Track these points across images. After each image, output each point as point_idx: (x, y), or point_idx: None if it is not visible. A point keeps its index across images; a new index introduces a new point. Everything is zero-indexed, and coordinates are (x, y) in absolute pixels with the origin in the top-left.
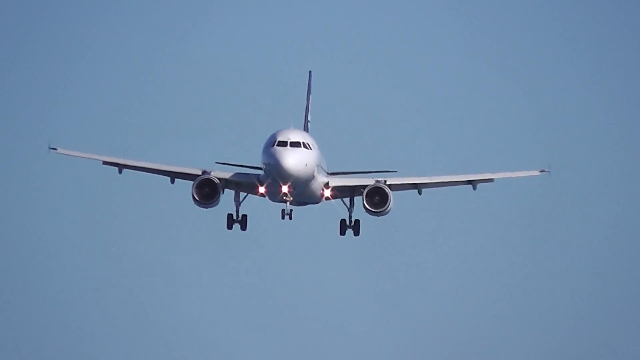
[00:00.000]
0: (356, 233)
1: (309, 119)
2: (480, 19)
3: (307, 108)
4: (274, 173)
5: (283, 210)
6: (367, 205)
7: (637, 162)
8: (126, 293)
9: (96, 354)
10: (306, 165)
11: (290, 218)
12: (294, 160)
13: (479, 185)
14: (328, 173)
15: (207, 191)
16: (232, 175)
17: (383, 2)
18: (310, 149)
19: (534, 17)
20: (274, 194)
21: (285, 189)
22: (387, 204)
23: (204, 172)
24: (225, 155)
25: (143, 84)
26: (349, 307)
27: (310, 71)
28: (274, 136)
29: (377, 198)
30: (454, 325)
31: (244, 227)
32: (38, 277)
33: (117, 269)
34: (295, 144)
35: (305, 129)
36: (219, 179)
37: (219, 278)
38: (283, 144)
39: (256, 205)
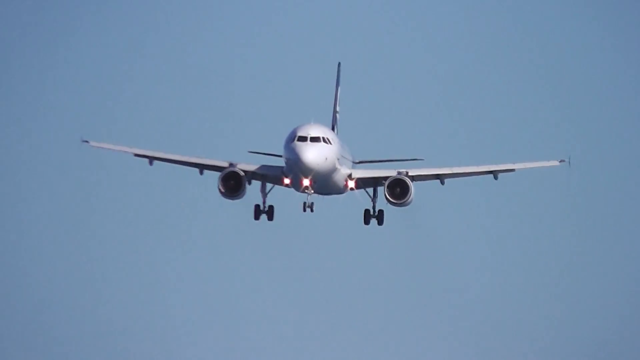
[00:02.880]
0: (380, 222)
1: (337, 109)
2: (499, 13)
3: (335, 99)
4: (295, 168)
5: (304, 203)
6: (388, 197)
7: None
8: (156, 281)
9: (122, 339)
10: (326, 159)
11: (312, 210)
12: (313, 155)
13: (500, 175)
14: (355, 162)
15: (232, 183)
16: (258, 168)
17: None
18: (330, 143)
19: (553, 10)
20: (298, 186)
21: (306, 182)
22: (408, 195)
23: (230, 165)
24: (259, 144)
25: (174, 78)
26: (373, 293)
27: (339, 63)
28: (294, 132)
29: (398, 190)
30: (475, 311)
31: (270, 217)
32: (72, 266)
33: (147, 257)
34: (315, 139)
35: (334, 119)
36: (244, 171)
37: (246, 268)
38: (303, 139)
39: (283, 195)
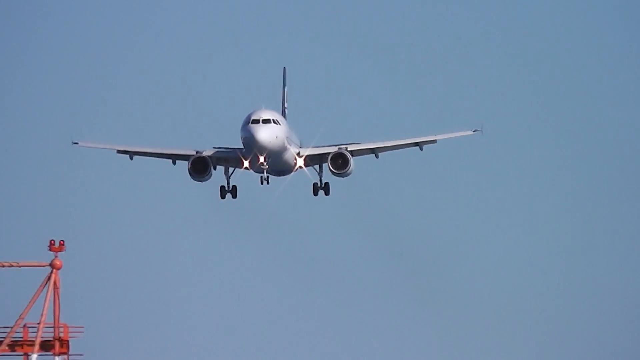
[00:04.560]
0: (327, 193)
1: (285, 105)
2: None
3: (283, 97)
4: (251, 145)
5: (261, 177)
6: (332, 168)
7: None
8: (139, 251)
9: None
10: (277, 137)
11: (268, 183)
12: (265, 134)
13: (425, 146)
14: (301, 147)
15: (200, 167)
16: (220, 152)
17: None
18: (279, 124)
19: None
20: (255, 163)
21: (261, 159)
22: (348, 166)
23: (197, 152)
24: (221, 137)
25: (141, 81)
26: (326, 254)
27: (284, 67)
28: (249, 116)
29: (340, 161)
30: (414, 268)
31: (234, 195)
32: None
33: (136, 233)
34: (266, 121)
35: (283, 114)
36: (209, 156)
37: (216, 240)
38: (256, 121)
39: (243, 177)
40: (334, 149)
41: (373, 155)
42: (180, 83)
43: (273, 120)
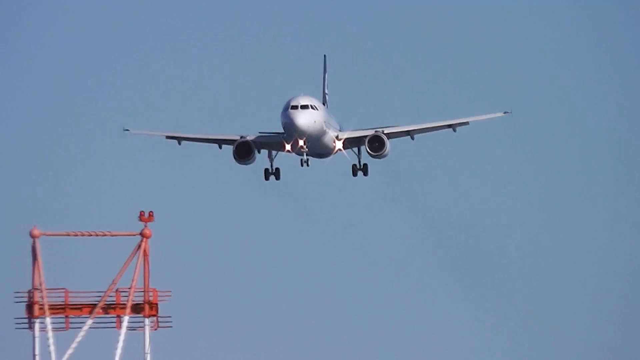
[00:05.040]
0: (365, 174)
1: (326, 92)
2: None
3: (324, 84)
4: (291, 130)
5: (301, 160)
6: (369, 150)
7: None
8: (204, 228)
9: None
10: (315, 122)
11: (308, 165)
12: (304, 119)
13: (458, 128)
14: (340, 130)
15: (244, 151)
16: (262, 137)
17: None
18: (317, 109)
19: None
20: (295, 147)
21: (301, 142)
22: (385, 148)
23: (241, 137)
24: (266, 123)
25: (187, 72)
26: (365, 230)
27: (324, 55)
28: (288, 102)
29: (377, 144)
30: (451, 246)
31: (278, 177)
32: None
33: (188, 212)
34: (305, 107)
35: (324, 99)
36: (253, 141)
37: (261, 218)
38: (295, 107)
39: (286, 160)
40: (370, 132)
41: (409, 137)
42: (225, 71)
43: (311, 105)
